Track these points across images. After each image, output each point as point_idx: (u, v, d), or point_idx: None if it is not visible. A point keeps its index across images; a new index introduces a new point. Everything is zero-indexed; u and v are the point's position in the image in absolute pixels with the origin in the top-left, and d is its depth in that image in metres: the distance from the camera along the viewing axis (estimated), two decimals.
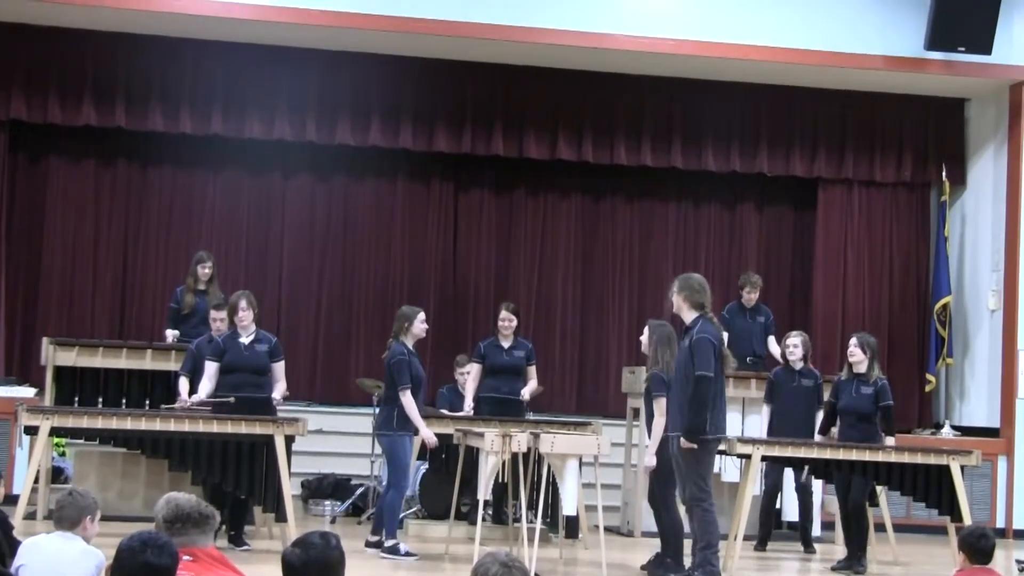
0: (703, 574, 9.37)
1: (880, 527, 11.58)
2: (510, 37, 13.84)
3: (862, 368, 11.02)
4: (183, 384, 10.91)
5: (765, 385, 12.15)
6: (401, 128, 14.71)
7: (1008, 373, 14.53)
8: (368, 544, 10.49)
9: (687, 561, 9.76)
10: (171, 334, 12.55)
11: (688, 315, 9.55)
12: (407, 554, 10.30)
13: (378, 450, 12.90)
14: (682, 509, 9.96)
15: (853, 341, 11.23)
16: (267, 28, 13.81)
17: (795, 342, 11.96)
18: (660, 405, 9.89)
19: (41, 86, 14.02)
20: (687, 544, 9.79)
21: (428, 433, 10.56)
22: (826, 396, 11.55)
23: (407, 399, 10.36)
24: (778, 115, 15.27)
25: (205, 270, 12.60)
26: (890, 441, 10.97)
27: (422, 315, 10.67)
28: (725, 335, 13.08)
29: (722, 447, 10.89)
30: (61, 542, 5.80)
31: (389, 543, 10.31)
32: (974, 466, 11.14)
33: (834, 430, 11.35)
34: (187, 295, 12.64)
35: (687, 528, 9.84)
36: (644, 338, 10.43)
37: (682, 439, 9.28)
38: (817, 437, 11.41)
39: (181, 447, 10.07)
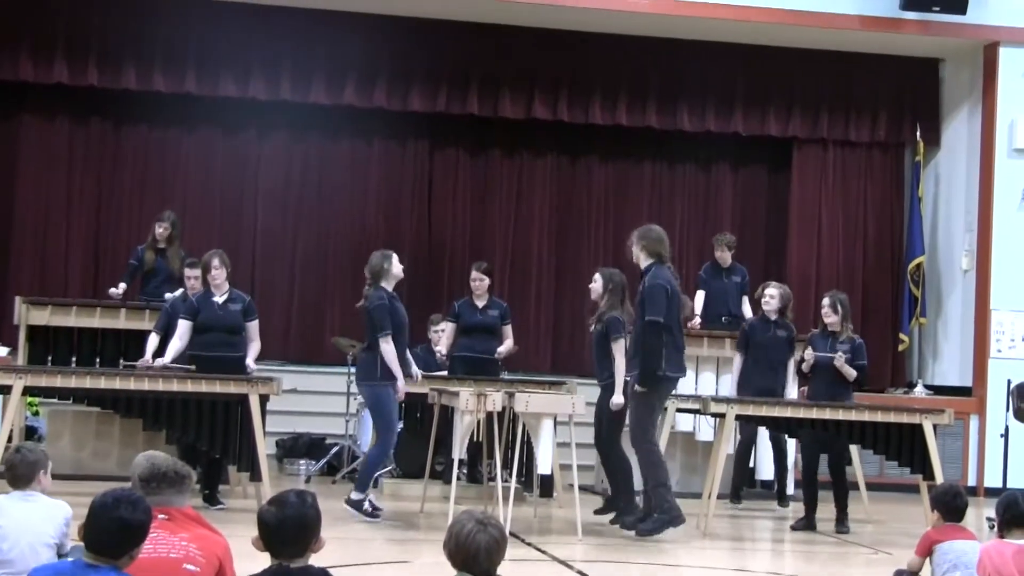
0: (662, 512, 9.64)
1: (853, 486, 11.65)
2: None
3: (836, 327, 11.10)
4: (151, 342, 10.88)
5: (739, 333, 12.11)
6: (376, 87, 14.65)
7: (980, 333, 14.61)
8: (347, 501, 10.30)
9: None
10: (120, 287, 12.46)
11: (644, 263, 9.94)
12: (372, 513, 10.15)
13: (352, 409, 12.96)
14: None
15: (825, 301, 11.29)
16: None
17: (772, 292, 11.81)
18: (619, 346, 10.14)
19: (13, 44, 13.92)
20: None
21: (402, 384, 10.26)
22: (798, 352, 11.58)
23: (388, 346, 10.14)
24: (753, 75, 15.26)
25: (160, 229, 12.55)
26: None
27: (395, 257, 10.45)
28: (701, 293, 13.25)
29: (696, 406, 11.01)
30: (24, 501, 5.76)
31: (355, 496, 10.14)
32: (946, 425, 11.19)
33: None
34: (148, 252, 12.59)
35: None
36: (596, 285, 10.49)
37: (636, 385, 9.73)
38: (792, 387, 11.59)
39: (155, 406, 10.03)
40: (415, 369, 10.64)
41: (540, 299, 15.60)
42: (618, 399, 10.12)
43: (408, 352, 10.58)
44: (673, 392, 10.53)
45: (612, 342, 10.21)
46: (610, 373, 10.25)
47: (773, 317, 11.81)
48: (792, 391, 12.04)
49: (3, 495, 5.90)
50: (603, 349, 10.32)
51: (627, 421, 10.27)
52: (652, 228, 10.15)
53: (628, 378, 10.00)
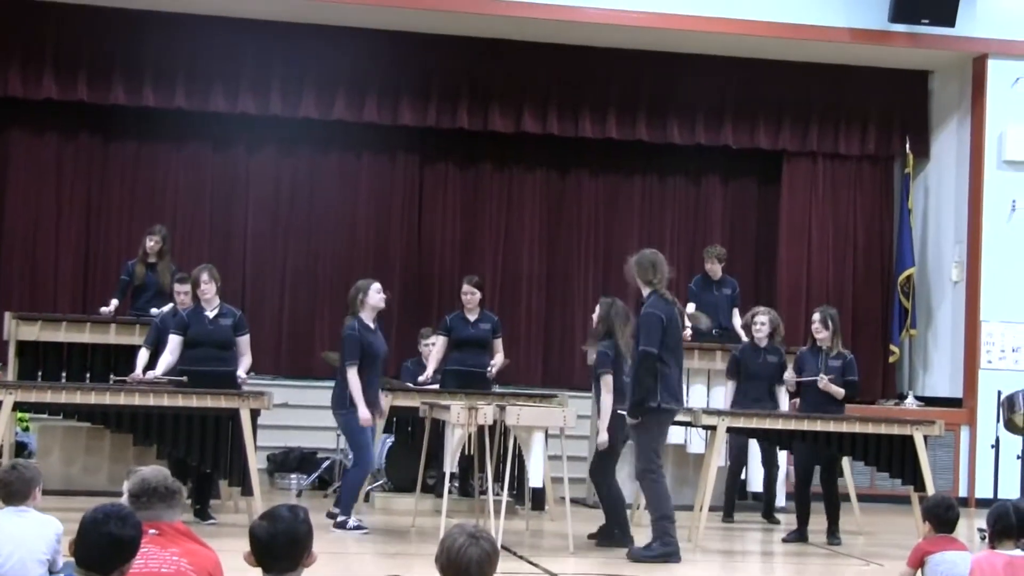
0: (662, 544, 9.54)
1: (844, 497, 11.64)
2: (476, 9, 13.81)
3: (826, 343, 11.09)
4: (141, 356, 10.88)
5: (728, 360, 12.12)
6: (366, 102, 14.65)
7: (970, 344, 14.63)
8: (328, 514, 10.49)
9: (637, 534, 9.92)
10: (112, 304, 12.45)
11: (644, 291, 9.79)
12: (356, 528, 10.21)
13: None
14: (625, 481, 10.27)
15: (816, 317, 11.26)
16: (230, 0, 13.72)
17: (763, 320, 11.84)
18: (607, 382, 10.04)
19: (1, 59, 13.88)
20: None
21: (364, 413, 10.23)
22: (789, 369, 11.56)
23: (351, 375, 10.21)
24: (743, 88, 15.27)
25: (150, 243, 12.54)
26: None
27: (376, 285, 10.50)
28: (691, 306, 13.20)
29: (687, 419, 10.99)
30: (18, 517, 5.78)
31: (340, 518, 10.25)
32: (937, 436, 11.21)
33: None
34: (138, 266, 12.58)
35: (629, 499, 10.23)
36: (596, 316, 10.46)
37: (627, 416, 9.58)
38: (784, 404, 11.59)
39: (146, 421, 10.01)
40: (382, 404, 10.72)
41: (531, 312, 15.59)
42: (602, 437, 10.02)
43: (378, 384, 10.65)
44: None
45: (599, 377, 10.15)
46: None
47: (763, 344, 11.83)
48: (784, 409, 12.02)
49: None
50: (596, 383, 10.30)
51: (620, 451, 10.24)
52: (644, 254, 9.89)
53: (622, 411, 9.87)
